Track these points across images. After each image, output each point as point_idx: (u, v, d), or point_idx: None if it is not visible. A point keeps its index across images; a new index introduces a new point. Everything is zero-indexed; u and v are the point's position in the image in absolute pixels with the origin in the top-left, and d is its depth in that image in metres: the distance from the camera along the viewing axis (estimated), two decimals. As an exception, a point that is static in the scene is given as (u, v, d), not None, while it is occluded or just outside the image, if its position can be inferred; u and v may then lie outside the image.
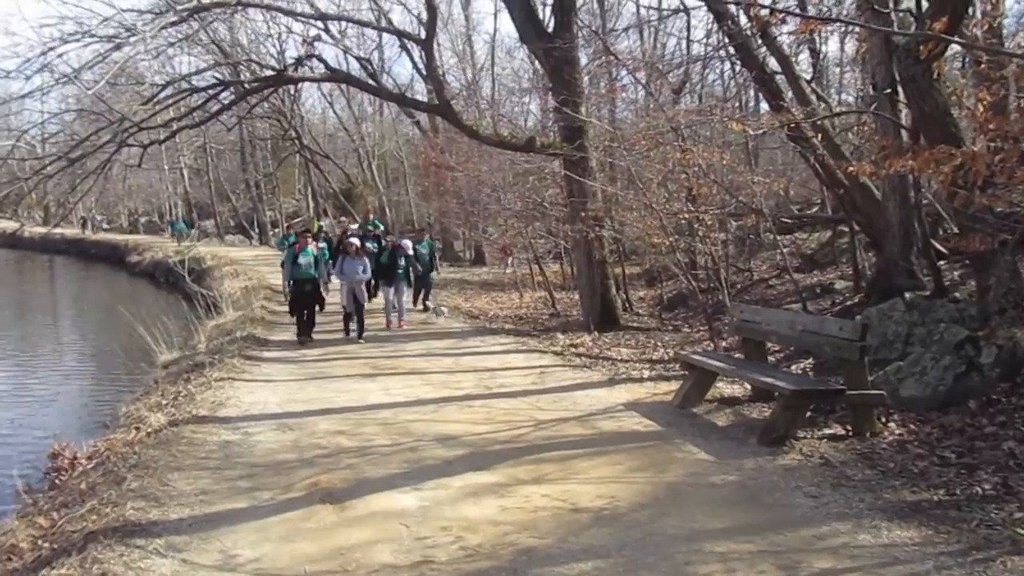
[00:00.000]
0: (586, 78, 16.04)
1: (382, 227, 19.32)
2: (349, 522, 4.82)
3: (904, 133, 8.60)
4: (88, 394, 13.00)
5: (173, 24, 10.73)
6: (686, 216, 11.28)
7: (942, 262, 9.54)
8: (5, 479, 7.02)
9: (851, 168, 7.58)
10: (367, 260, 12.48)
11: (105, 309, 23.33)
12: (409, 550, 4.34)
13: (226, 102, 13.73)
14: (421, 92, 26.64)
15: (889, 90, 8.69)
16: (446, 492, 5.28)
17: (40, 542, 4.79)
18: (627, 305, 14.47)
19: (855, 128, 12.13)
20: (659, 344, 10.93)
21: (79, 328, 22.68)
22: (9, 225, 38.31)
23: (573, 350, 10.71)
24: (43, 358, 16.88)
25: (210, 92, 12.64)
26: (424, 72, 21.48)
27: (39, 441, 8.96)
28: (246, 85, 13.14)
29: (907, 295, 8.30)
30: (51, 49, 9.73)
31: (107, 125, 10.86)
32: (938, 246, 9.79)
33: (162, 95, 11.80)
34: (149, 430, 7.14)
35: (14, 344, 18.77)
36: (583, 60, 15.44)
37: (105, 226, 52.14)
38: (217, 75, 15.13)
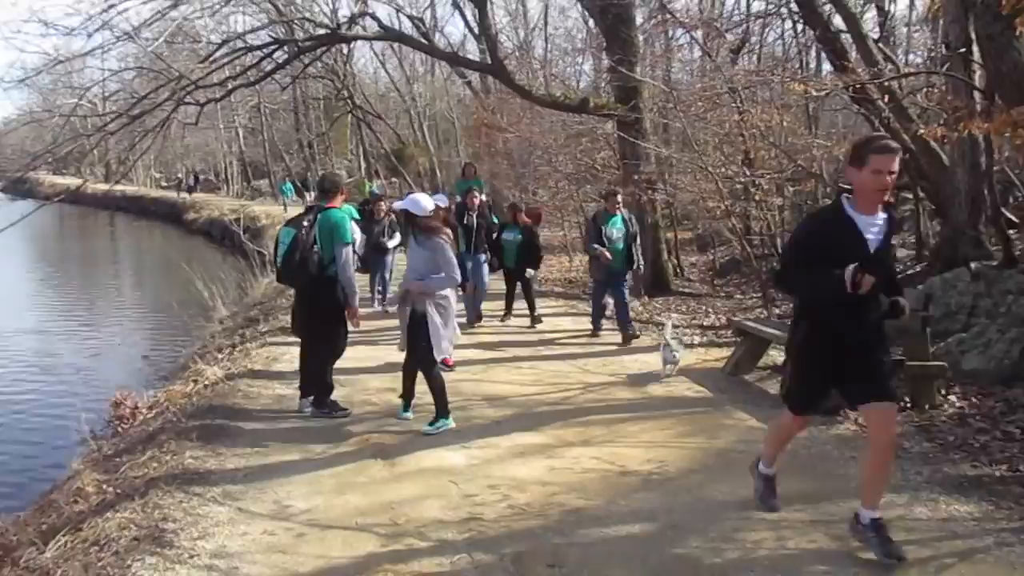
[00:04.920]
0: (641, 37, 15.68)
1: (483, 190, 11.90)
2: (399, 477, 4.89)
3: (977, 95, 8.21)
4: (148, 346, 13.43)
5: (229, -20, 10.79)
6: (742, 180, 11.04)
7: (1012, 231, 9.15)
8: (72, 425, 7.30)
9: (920, 131, 7.28)
10: (483, 245, 9.48)
11: (164, 265, 23.99)
12: (457, 506, 4.38)
13: (280, 61, 13.80)
14: (473, 52, 26.37)
15: (963, 49, 8.29)
16: (494, 451, 5.32)
17: (104, 486, 4.96)
18: (678, 270, 14.29)
19: (923, 90, 11.63)
20: (710, 310, 10.78)
21: (139, 282, 23.41)
22: (72, 181, 39.32)
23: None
24: (106, 311, 17.49)
25: (264, 51, 12.70)
26: (477, 31, 21.32)
27: (102, 390, 9.30)
28: (300, 44, 13.14)
29: (973, 265, 8.00)
30: (112, 6, 9.87)
31: (165, 83, 11.02)
32: (1008, 214, 9.39)
33: (218, 54, 11.88)
34: (206, 383, 7.34)
35: (79, 297, 19.47)
36: (639, 19, 15.08)
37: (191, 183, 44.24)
38: (271, 34, 15.16)
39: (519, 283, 10.28)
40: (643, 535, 3.97)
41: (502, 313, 10.40)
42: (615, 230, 8.97)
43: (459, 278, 5.89)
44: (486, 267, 9.94)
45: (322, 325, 6.19)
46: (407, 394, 6.10)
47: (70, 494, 5.05)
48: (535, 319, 10.08)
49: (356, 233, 6.20)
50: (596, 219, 9.24)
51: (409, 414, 6.08)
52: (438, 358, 5.81)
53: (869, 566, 3.59)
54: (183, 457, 5.23)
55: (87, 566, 3.78)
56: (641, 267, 9.60)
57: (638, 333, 9.09)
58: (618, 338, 8.94)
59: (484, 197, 10.37)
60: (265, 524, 4.21)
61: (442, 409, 5.80)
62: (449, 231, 6.06)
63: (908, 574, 3.51)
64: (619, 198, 9.29)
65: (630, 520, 4.14)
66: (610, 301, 9.46)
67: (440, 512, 4.31)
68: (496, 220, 10.45)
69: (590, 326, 9.43)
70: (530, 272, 10.28)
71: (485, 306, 10.28)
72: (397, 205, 6.36)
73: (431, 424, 5.76)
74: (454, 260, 5.78)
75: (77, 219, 42.09)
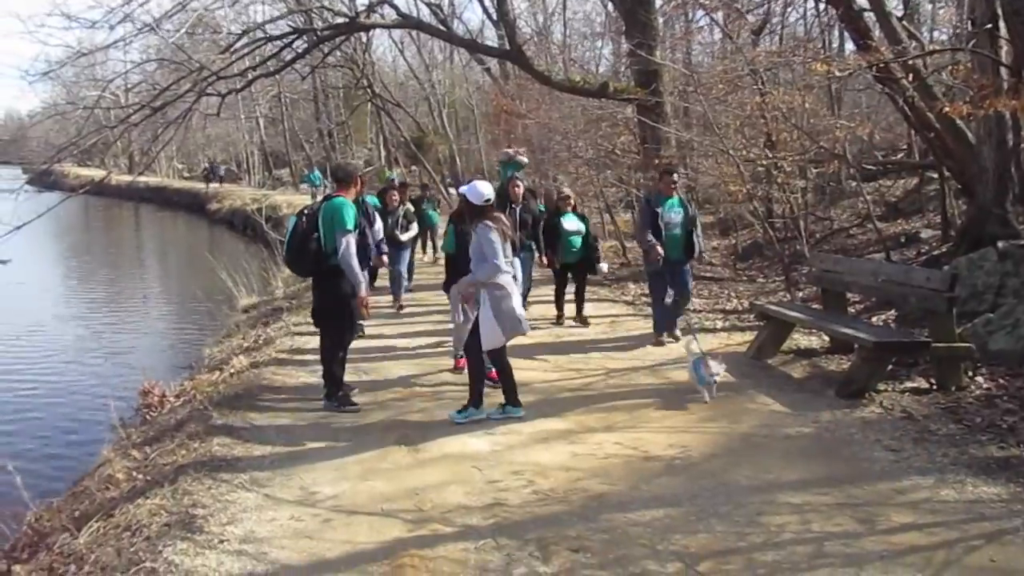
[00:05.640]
0: (661, 20, 15.55)
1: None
2: (422, 464, 4.93)
3: (1004, 72, 8.05)
4: (174, 335, 13.61)
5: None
6: (764, 163, 10.92)
7: (1040, 210, 8.99)
8: (101, 413, 7.42)
9: (946, 109, 7.17)
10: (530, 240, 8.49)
11: (188, 254, 24.26)
12: (481, 492, 4.41)
13: (299, 50, 13.86)
14: (492, 38, 26.32)
15: (989, 25, 8.13)
16: (517, 437, 5.34)
17: (134, 473, 5.06)
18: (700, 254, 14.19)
19: (949, 68, 11.43)
20: (733, 294, 10.71)
21: (165, 272, 23.69)
22: (97, 173, 39.56)
23: (644, 299, 10.58)
24: (132, 299, 17.72)
25: (284, 40, 12.77)
26: (495, 17, 21.24)
27: (130, 378, 9.43)
28: (319, 33, 13.19)
29: (1000, 244, 7.88)
30: (133, -2, 9.95)
31: (187, 74, 11.12)
32: (1037, 193, 9.23)
33: (238, 44, 11.97)
34: (232, 371, 7.43)
35: (106, 286, 19.73)
36: (658, 1, 14.94)
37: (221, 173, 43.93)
38: (290, 23, 15.22)
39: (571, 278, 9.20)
40: (667, 520, 3.98)
41: (555, 316, 9.20)
42: (673, 214, 7.80)
43: (498, 266, 5.39)
44: (534, 264, 8.93)
45: (329, 315, 6.04)
46: (504, 388, 5.75)
47: (101, 481, 5.15)
48: (583, 319, 9.06)
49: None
50: (650, 202, 7.98)
51: (513, 411, 5.70)
52: (485, 348, 5.56)
53: (894, 550, 3.57)
54: (211, 444, 5.31)
55: (119, 551, 3.86)
56: (704, 255, 8.81)
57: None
58: (641, 323, 8.87)
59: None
60: (292, 510, 4.27)
61: (474, 398, 5.71)
62: (500, 216, 5.67)
63: (936, 556, 3.50)
64: (676, 177, 8.10)
65: (653, 505, 4.15)
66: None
67: (464, 498, 4.35)
68: (543, 208, 9.61)
69: (614, 312, 9.35)
70: (603, 267, 9.38)
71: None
72: (462, 189, 5.90)
73: (460, 412, 5.69)
74: (495, 246, 5.38)
75: (102, 210, 42.54)
